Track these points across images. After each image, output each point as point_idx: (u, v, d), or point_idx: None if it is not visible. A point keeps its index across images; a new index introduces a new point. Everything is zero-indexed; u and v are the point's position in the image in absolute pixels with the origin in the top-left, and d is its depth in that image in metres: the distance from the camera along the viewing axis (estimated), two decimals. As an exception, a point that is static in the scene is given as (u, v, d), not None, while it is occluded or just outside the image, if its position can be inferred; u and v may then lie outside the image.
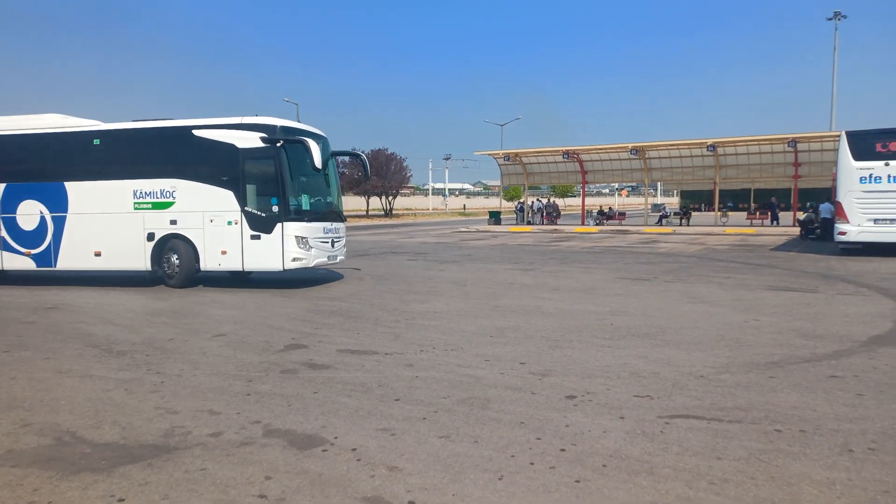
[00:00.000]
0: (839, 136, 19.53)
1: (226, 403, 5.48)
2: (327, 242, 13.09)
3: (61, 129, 13.86)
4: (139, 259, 13.05)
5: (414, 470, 4.06)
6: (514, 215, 47.31)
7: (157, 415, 5.21)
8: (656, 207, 52.70)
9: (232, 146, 12.42)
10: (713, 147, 34.01)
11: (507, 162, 42.52)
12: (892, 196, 17.56)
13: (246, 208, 12.36)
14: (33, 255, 13.76)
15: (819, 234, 24.68)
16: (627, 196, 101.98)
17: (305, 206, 12.68)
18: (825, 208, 24.13)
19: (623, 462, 4.16)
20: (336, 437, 4.63)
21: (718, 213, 39.21)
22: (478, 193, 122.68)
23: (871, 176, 17.88)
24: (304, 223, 12.41)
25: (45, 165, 13.75)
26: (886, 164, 17.65)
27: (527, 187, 46.63)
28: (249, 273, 13.61)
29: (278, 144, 12.18)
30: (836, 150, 20.57)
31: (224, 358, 7.10)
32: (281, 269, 12.32)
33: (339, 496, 3.70)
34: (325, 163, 12.95)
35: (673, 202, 74.51)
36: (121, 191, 13.16)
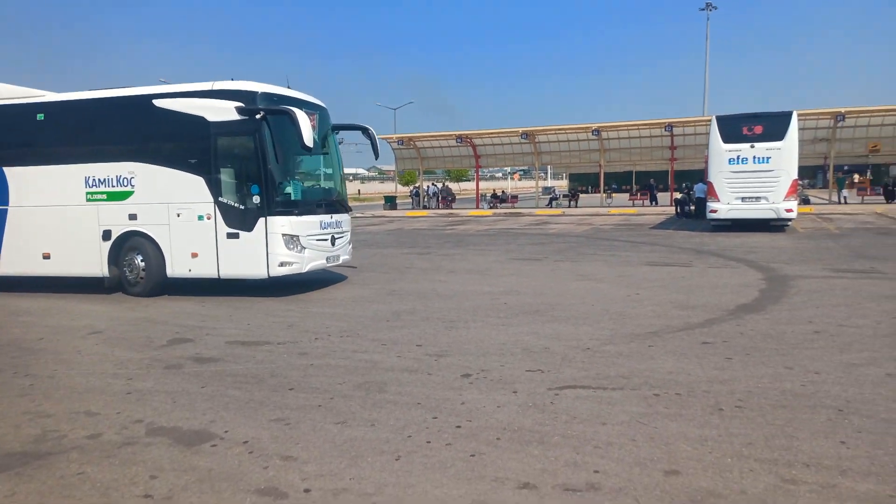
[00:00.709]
0: (710, 120, 21.10)
1: (104, 404, 5.16)
2: (325, 240, 10.52)
3: None
4: (94, 262, 10.60)
5: (310, 458, 4.02)
6: (410, 200, 47.45)
7: (27, 420, 4.83)
8: (547, 190, 54.60)
9: (201, 119, 9.81)
10: (597, 132, 35.68)
11: (401, 146, 42.47)
12: (757, 175, 19.21)
13: (220, 199, 9.85)
14: None
15: (694, 212, 26.57)
16: (520, 180, 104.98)
17: (296, 195, 10.15)
18: (699, 188, 25.99)
19: (516, 434, 4.32)
20: (226, 431, 4.49)
21: (604, 195, 41.26)
22: (372, 178, 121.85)
23: (738, 157, 19.47)
24: (293, 217, 9.85)
25: None
26: (752, 146, 19.28)
27: (421, 172, 46.88)
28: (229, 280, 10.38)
29: (258, 116, 9.57)
30: (707, 133, 22.19)
31: (101, 356, 6.67)
32: (265, 275, 9.78)
33: (231, 490, 3.61)
34: (323, 139, 10.89)
35: (563, 185, 77.50)
36: (71, 178, 10.69)
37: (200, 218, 9.94)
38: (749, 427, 4.36)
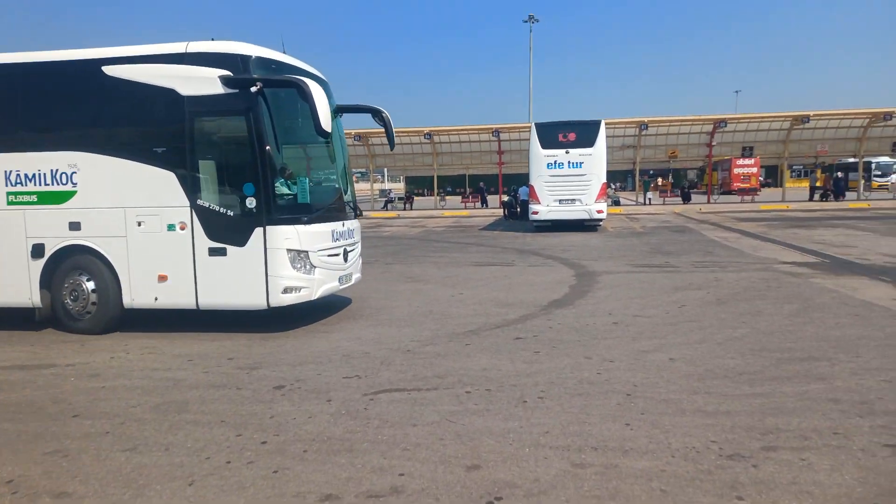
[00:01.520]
0: (531, 127, 22.47)
1: None
2: (338, 255, 8.09)
3: None
4: (20, 286, 7.74)
5: (88, 492, 3.64)
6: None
7: None
8: (383, 193, 54.92)
9: (171, 93, 7.30)
10: (430, 135, 36.56)
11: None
12: (572, 179, 20.78)
13: (200, 202, 7.32)
14: None
15: (519, 214, 28.14)
16: (357, 182, 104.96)
17: (303, 196, 7.59)
18: (523, 191, 27.57)
19: (325, 444, 4.24)
20: (-14, 472, 3.93)
21: (437, 198, 42.35)
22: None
23: (555, 162, 20.92)
24: (301, 227, 7.42)
25: None
26: (567, 152, 20.80)
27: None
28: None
29: (254, 89, 7.12)
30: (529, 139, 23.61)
31: None
32: (263, 305, 7.33)
33: (-17, 541, 3.15)
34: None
35: (400, 187, 78.43)
36: None
37: (171, 228, 7.37)
38: (548, 416, 4.65)
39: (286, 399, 5.17)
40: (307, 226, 7.50)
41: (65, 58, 7.74)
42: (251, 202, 7.21)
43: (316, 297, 7.66)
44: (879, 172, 46.33)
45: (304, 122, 7.48)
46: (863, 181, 38.03)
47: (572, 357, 6.19)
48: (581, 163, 20.71)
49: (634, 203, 38.06)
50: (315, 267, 7.57)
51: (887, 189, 41.73)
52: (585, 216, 21.02)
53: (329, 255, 7.87)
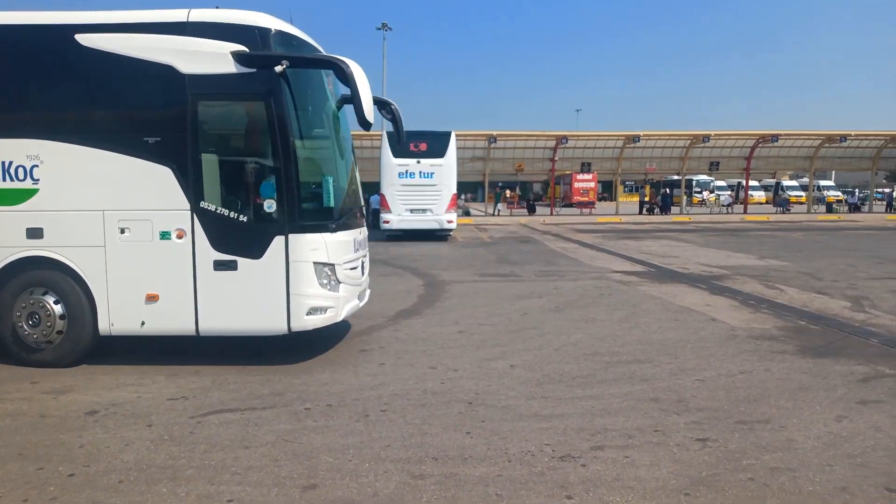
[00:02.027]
0: (382, 135, 22.56)
1: None
2: (357, 268, 7.05)
3: None
4: None
5: None
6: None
7: None
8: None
9: (168, 70, 6.04)
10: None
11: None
12: (423, 189, 21.13)
13: (203, 204, 6.12)
14: None
15: (371, 223, 28.12)
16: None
17: (328, 199, 6.46)
18: (374, 200, 27.59)
19: (143, 473, 3.90)
20: None
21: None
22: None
23: (406, 171, 21.17)
24: (328, 235, 6.34)
25: None
26: (418, 162, 21.12)
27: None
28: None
29: (279, 68, 5.96)
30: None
31: None
32: (284, 329, 6.21)
33: None
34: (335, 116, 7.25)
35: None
36: None
37: (165, 236, 6.12)
38: (390, 430, 4.62)
39: (99, 426, 4.70)
40: (333, 234, 6.38)
41: (27, 21, 6.26)
42: (270, 205, 6.07)
43: (340, 319, 6.63)
44: (699, 189, 51.84)
45: (322, 111, 6.70)
46: (685, 197, 42.37)
47: (417, 368, 6.22)
48: (432, 173, 21.11)
49: (484, 214, 39.48)
50: (340, 283, 6.49)
51: (705, 204, 46.85)
52: (436, 226, 21.44)
53: (351, 269, 6.80)
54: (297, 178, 6.08)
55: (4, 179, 6.11)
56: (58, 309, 6.14)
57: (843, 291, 10.46)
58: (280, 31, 6.34)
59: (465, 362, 6.41)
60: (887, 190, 52.07)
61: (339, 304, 6.49)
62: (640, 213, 38.39)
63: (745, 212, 37.94)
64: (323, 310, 6.30)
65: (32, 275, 6.18)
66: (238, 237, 6.13)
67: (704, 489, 3.71)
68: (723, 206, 42.21)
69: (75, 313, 6.16)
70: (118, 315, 6.20)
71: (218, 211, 6.10)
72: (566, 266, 14.41)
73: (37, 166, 6.11)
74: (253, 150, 6.42)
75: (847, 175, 60.49)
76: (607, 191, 60.48)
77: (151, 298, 6.14)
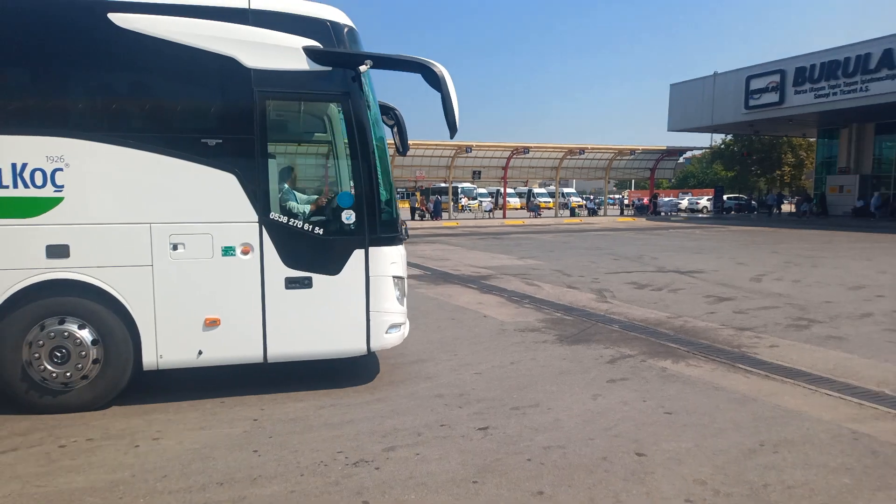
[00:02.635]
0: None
1: None
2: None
3: None
4: None
5: None
6: None
7: None
8: None
9: (230, 62, 5.15)
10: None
11: None
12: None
13: (273, 216, 5.33)
14: None
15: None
16: None
17: (396, 208, 5.98)
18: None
19: None
20: None
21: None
22: None
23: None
24: (401, 247, 5.88)
25: None
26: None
27: None
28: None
29: (363, 68, 5.39)
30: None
31: None
32: (363, 350, 5.63)
33: None
34: None
35: None
36: None
37: (228, 252, 5.27)
38: (164, 458, 4.24)
39: None
40: (401, 246, 5.92)
41: None
42: (349, 216, 5.50)
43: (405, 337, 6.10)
44: (464, 196, 55.38)
45: (377, 115, 5.96)
46: (452, 203, 44.99)
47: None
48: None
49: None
50: (405, 297, 6.04)
51: (470, 210, 50.26)
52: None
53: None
54: (376, 187, 5.61)
55: (15, 186, 4.89)
56: (87, 339, 5.07)
57: (589, 285, 11.92)
58: (352, 27, 5.75)
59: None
60: (618, 196, 60.72)
61: (405, 319, 6.08)
62: (412, 218, 39.93)
63: (504, 216, 41.39)
64: (399, 326, 5.88)
65: (53, 302, 5.04)
66: (313, 251, 5.52)
67: (490, 475, 3.97)
68: (485, 211, 45.65)
69: (112, 347, 5.13)
70: (169, 345, 5.26)
71: (290, 223, 5.45)
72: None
73: (60, 170, 4.95)
74: (328, 156, 6.02)
75: (585, 183, 69.41)
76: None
77: (212, 324, 5.31)
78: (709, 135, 53.39)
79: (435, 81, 5.52)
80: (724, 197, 47.16)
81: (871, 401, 5.35)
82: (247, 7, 5.36)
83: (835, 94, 30.50)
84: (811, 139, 46.55)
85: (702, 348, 7.11)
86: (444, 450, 4.36)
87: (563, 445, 4.43)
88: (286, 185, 6.01)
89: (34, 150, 4.93)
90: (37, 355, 4.98)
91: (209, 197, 5.28)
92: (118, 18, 5.07)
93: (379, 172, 5.64)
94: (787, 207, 44.68)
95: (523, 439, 4.54)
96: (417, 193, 47.70)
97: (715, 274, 13.29)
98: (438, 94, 5.45)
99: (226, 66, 5.23)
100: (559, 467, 4.09)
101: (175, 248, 5.20)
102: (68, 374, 5.04)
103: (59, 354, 5.02)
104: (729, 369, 6.31)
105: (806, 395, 5.55)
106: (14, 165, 4.89)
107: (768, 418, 4.96)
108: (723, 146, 56.26)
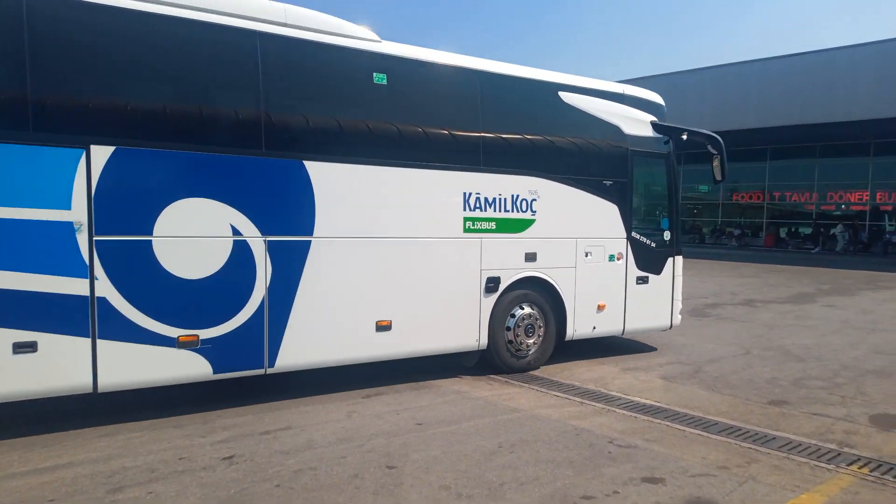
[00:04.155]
0: None
1: None
2: None
3: (283, 29, 5.64)
4: (466, 328, 6.70)
5: None
6: None
7: None
8: None
9: (615, 129, 7.64)
10: None
11: None
12: None
13: (633, 234, 7.82)
14: (207, 340, 5.24)
15: None
16: None
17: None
18: None
19: None
20: None
21: None
22: None
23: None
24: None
25: (251, 111, 5.54)
26: None
27: None
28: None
29: (684, 136, 7.92)
30: None
31: None
32: (668, 326, 8.31)
33: None
34: None
35: None
36: (437, 192, 6.50)
37: (612, 258, 7.70)
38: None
39: None
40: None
41: (527, 75, 7.21)
42: (668, 235, 8.18)
43: None
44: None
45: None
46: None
47: None
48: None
49: None
50: None
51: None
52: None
53: None
54: (679, 214, 8.39)
55: (514, 210, 6.90)
56: (534, 316, 7.14)
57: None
58: (665, 106, 8.31)
59: None
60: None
61: None
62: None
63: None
64: (680, 311, 8.36)
65: (516, 292, 7.01)
66: (650, 259, 7.98)
67: (233, 507, 3.74)
68: None
69: (550, 324, 7.25)
70: (580, 322, 7.43)
71: (641, 239, 7.88)
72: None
73: (535, 200, 7.04)
74: (657, 194, 8.41)
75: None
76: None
77: (601, 308, 7.59)
78: None
79: (718, 147, 7.75)
80: None
81: (594, 400, 6.11)
82: (622, 92, 7.92)
83: None
84: None
85: None
86: (182, 484, 4.01)
87: (315, 467, 4.34)
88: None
89: (521, 186, 6.93)
90: (517, 329, 6.97)
91: (603, 220, 7.58)
92: (564, 96, 7.30)
93: (678, 206, 8.36)
94: None
95: (272, 465, 4.36)
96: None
97: None
98: (715, 154, 7.79)
99: (614, 132, 7.62)
100: (309, 489, 4.00)
101: (586, 255, 7.47)
102: (531, 341, 7.09)
103: (527, 329, 7.04)
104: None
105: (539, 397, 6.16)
106: (513, 196, 6.87)
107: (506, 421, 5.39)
108: None
